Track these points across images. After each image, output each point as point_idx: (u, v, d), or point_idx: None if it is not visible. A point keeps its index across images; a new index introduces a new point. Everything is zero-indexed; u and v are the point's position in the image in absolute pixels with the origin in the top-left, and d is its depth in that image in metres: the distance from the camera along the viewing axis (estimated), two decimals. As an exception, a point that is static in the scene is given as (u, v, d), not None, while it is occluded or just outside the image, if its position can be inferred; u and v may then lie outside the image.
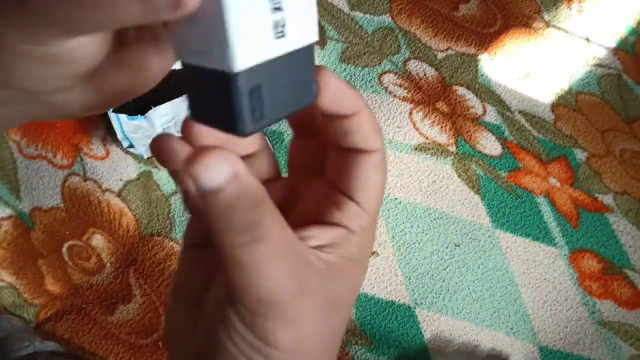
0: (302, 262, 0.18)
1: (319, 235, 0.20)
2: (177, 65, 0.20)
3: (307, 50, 0.17)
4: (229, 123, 0.16)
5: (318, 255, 0.19)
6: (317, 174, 0.22)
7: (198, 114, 0.18)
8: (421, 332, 0.76)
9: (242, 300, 0.17)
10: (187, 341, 0.21)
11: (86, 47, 0.18)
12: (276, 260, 0.17)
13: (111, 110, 0.83)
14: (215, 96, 0.16)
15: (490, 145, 0.89)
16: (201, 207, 0.16)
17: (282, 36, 0.16)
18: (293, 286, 0.18)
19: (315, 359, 0.19)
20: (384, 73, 0.94)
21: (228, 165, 0.16)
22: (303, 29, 0.17)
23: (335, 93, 0.19)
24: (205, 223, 0.17)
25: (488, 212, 0.84)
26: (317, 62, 0.21)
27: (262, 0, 0.15)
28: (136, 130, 0.84)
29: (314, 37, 0.17)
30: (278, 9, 0.16)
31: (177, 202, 0.83)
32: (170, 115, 0.86)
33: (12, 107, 0.20)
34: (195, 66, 0.17)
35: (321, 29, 0.99)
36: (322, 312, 0.19)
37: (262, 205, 0.17)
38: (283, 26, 0.16)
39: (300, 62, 0.17)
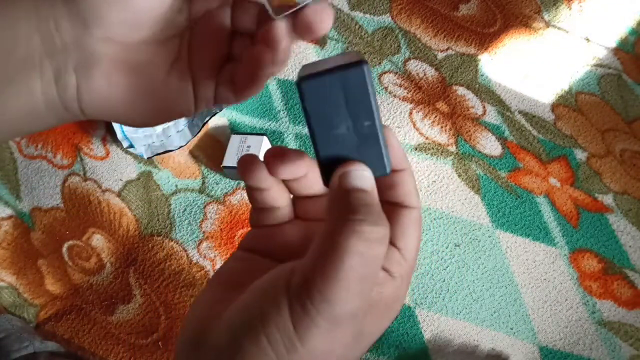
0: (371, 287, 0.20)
1: None
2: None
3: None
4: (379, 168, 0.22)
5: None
6: None
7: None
8: (421, 332, 0.76)
9: (311, 288, 0.18)
10: (210, 312, 0.22)
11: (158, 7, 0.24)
12: (377, 266, 0.19)
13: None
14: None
15: (490, 145, 0.89)
16: (340, 195, 0.20)
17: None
18: (359, 304, 0.19)
19: None
20: (384, 73, 0.94)
21: (371, 178, 0.21)
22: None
23: (391, 148, 0.22)
24: (340, 211, 0.19)
25: (488, 212, 0.84)
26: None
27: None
28: (136, 130, 0.84)
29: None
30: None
31: (177, 202, 0.83)
32: (170, 115, 0.86)
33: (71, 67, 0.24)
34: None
35: (321, 29, 0.99)
36: (352, 339, 0.20)
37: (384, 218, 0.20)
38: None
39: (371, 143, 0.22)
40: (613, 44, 1.00)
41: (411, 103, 0.92)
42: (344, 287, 0.18)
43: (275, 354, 0.19)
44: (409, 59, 0.96)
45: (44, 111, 0.25)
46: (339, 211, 0.20)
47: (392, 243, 0.22)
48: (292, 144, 0.88)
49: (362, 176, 0.21)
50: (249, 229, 0.27)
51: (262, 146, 0.81)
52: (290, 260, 0.22)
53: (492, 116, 0.92)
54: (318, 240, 0.19)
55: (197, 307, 0.24)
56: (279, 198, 0.25)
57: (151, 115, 0.27)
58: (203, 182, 0.84)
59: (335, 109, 0.22)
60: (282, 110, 0.91)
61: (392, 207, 0.23)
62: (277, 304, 0.19)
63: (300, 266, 0.19)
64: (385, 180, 0.23)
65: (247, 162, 0.24)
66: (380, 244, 0.19)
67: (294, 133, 0.88)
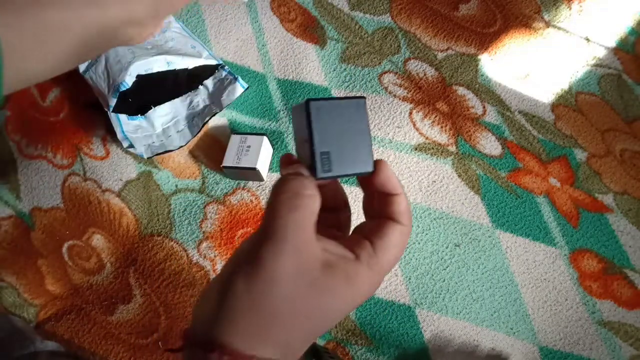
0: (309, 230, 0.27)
1: (335, 246, 0.29)
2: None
3: (366, 143, 0.31)
4: (313, 170, 0.30)
5: (323, 253, 0.27)
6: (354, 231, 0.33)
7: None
8: (421, 332, 0.76)
9: (261, 226, 0.27)
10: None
11: None
12: (304, 212, 0.27)
13: (111, 110, 0.83)
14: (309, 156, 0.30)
15: (490, 145, 0.89)
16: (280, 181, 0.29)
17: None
18: (314, 246, 0.27)
19: (299, 311, 0.26)
20: (384, 73, 0.94)
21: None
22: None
23: (386, 176, 0.30)
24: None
25: (488, 212, 0.84)
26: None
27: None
28: (136, 130, 0.84)
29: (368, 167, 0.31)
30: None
31: (177, 202, 0.83)
32: (170, 115, 0.86)
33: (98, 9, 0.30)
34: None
35: (321, 29, 0.99)
36: (309, 285, 0.26)
37: (304, 198, 0.28)
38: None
39: (361, 150, 0.31)
40: (613, 44, 1.00)
41: (411, 103, 0.92)
42: (282, 218, 0.26)
43: (246, 286, 0.25)
44: (409, 59, 0.96)
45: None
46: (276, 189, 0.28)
47: (368, 238, 0.29)
48: (291, 144, 0.88)
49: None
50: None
51: (262, 146, 0.81)
52: None
53: (492, 116, 0.92)
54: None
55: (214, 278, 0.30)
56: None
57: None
58: (203, 182, 0.84)
59: (336, 125, 0.31)
60: (282, 110, 0.91)
61: (385, 221, 0.30)
62: (246, 241, 0.28)
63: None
64: (385, 200, 0.30)
65: (286, 161, 0.32)
66: (304, 184, 0.28)
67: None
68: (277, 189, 0.27)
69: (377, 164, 0.31)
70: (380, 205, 0.31)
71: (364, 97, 0.31)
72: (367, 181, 0.31)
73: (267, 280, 0.25)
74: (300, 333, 0.26)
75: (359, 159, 0.31)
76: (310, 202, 0.27)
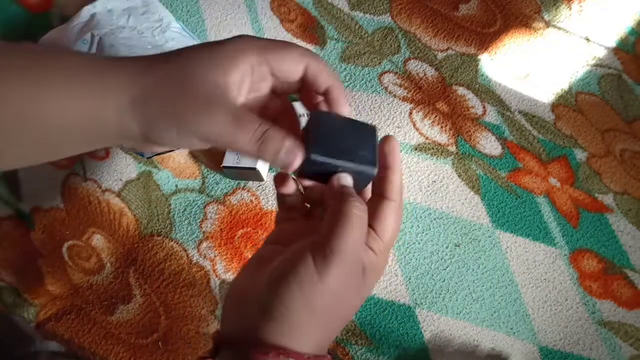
0: (365, 249, 0.30)
1: None
2: None
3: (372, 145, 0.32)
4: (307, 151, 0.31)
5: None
6: None
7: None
8: (421, 332, 0.76)
9: (331, 240, 0.28)
10: (250, 283, 0.30)
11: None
12: (364, 232, 0.29)
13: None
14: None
15: (490, 145, 0.89)
16: (338, 190, 0.31)
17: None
18: (361, 255, 0.29)
19: (338, 309, 0.29)
20: (384, 73, 0.94)
21: (351, 180, 0.32)
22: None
23: (392, 147, 0.32)
24: (338, 199, 0.30)
25: (488, 212, 0.84)
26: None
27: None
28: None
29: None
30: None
31: (177, 202, 0.83)
32: (170, 115, 0.86)
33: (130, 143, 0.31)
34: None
35: (321, 29, 0.99)
36: (356, 286, 0.29)
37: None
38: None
39: (365, 147, 0.32)
40: (613, 44, 1.00)
41: (411, 103, 0.92)
42: (351, 239, 0.28)
43: (302, 292, 0.27)
44: (409, 59, 0.96)
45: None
46: (340, 196, 0.30)
47: (372, 227, 0.31)
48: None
49: (349, 179, 0.32)
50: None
51: None
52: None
53: (492, 116, 0.92)
54: (330, 214, 0.29)
55: (238, 282, 0.32)
56: (298, 203, 0.36)
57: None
58: (203, 182, 0.84)
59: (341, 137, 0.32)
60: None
61: (378, 199, 0.32)
62: (303, 256, 0.28)
63: (322, 232, 0.28)
64: (380, 175, 0.32)
65: (281, 178, 0.35)
66: (365, 212, 0.30)
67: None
68: (344, 203, 0.29)
69: (386, 137, 0.32)
70: (378, 180, 0.32)
71: (374, 127, 0.33)
72: None
73: (326, 291, 0.27)
74: (339, 329, 0.31)
75: (362, 154, 0.31)
76: (365, 219, 0.30)
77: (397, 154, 0.32)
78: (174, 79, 0.29)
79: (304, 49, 0.32)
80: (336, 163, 0.31)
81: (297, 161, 0.30)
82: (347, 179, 0.31)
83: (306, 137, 0.31)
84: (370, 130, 0.33)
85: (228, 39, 0.30)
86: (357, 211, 0.29)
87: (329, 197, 0.31)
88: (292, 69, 0.31)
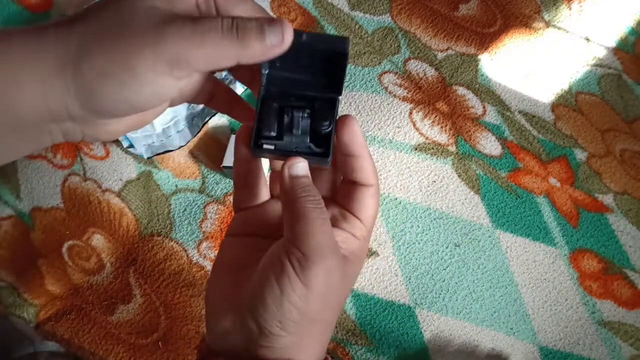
0: (334, 240, 0.28)
1: (336, 234, 0.29)
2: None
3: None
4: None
5: (340, 249, 0.29)
6: (330, 199, 0.32)
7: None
8: (421, 332, 0.76)
9: (300, 245, 0.25)
10: (232, 296, 0.28)
11: (191, 84, 0.27)
12: (328, 225, 0.27)
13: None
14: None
15: (490, 145, 0.89)
16: (288, 185, 0.27)
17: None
18: (334, 247, 0.27)
19: (330, 307, 0.28)
20: (384, 73, 0.94)
21: (306, 166, 0.28)
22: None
23: (352, 134, 0.28)
24: (289, 195, 0.27)
25: (488, 212, 0.84)
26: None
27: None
28: (136, 130, 0.84)
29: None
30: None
31: (177, 202, 0.83)
32: (170, 115, 0.86)
33: (86, 127, 0.26)
34: None
35: (321, 29, 0.99)
36: (340, 280, 0.27)
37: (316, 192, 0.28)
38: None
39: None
40: (613, 44, 1.00)
41: (411, 103, 0.92)
42: (317, 238, 0.26)
43: (293, 305, 0.25)
44: (409, 59, 0.96)
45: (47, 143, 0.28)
46: (291, 191, 0.27)
47: (354, 214, 0.30)
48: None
49: (301, 167, 0.28)
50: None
51: None
52: (277, 234, 0.29)
53: (492, 116, 0.92)
54: (286, 213, 0.27)
55: (216, 287, 0.30)
56: (259, 181, 0.32)
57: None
58: (203, 182, 0.84)
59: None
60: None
61: (354, 185, 0.30)
62: (283, 267, 0.25)
63: (287, 236, 0.26)
64: (349, 164, 0.29)
65: (242, 135, 0.30)
66: (321, 202, 0.27)
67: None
68: (296, 201, 0.27)
69: (343, 120, 0.29)
70: (345, 168, 0.30)
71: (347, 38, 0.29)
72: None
73: (315, 295, 0.26)
74: (334, 323, 0.30)
75: (316, 138, 0.29)
76: (324, 211, 0.27)
77: (360, 139, 0.29)
78: (109, 21, 0.23)
79: None
80: (283, 153, 0.29)
81: (289, 34, 0.25)
82: (299, 168, 0.28)
83: (256, 114, 0.29)
84: (333, 90, 0.29)
85: None
86: (312, 206, 0.26)
87: (281, 188, 0.28)
88: None
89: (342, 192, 0.31)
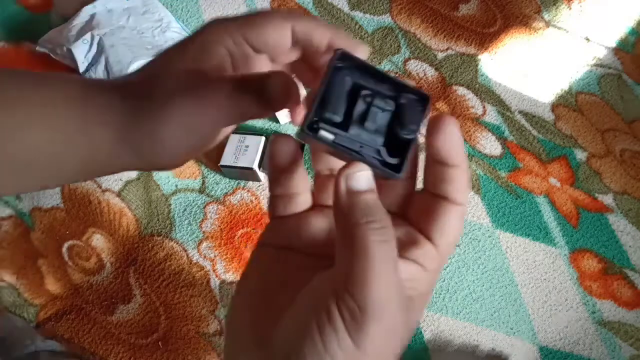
0: (402, 285, 0.21)
1: (402, 267, 0.22)
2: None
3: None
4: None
5: (405, 291, 0.21)
6: (397, 215, 0.25)
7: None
8: (421, 332, 0.75)
9: (356, 293, 0.19)
10: (260, 327, 0.23)
11: (218, 137, 0.28)
12: (394, 269, 0.20)
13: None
14: None
15: (490, 145, 0.89)
16: (345, 202, 0.21)
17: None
18: (400, 299, 0.20)
19: None
20: (384, 73, 0.94)
21: (370, 177, 0.21)
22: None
23: (451, 139, 0.22)
24: (347, 218, 0.20)
25: (488, 212, 0.84)
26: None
27: None
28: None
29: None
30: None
31: (177, 202, 0.83)
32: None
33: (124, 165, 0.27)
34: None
35: (321, 29, 0.99)
36: (402, 336, 0.21)
37: (388, 218, 0.20)
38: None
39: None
40: (613, 44, 1.00)
41: (411, 103, 0.92)
42: (381, 285, 0.19)
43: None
44: (409, 58, 0.96)
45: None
46: (349, 212, 0.20)
47: (429, 238, 0.23)
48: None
49: (365, 178, 0.21)
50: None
51: (260, 146, 0.81)
52: (320, 252, 0.24)
53: (492, 116, 0.92)
54: (341, 242, 0.21)
55: (239, 317, 0.24)
56: (300, 182, 0.26)
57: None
58: (203, 182, 0.84)
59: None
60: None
61: (436, 199, 0.23)
62: (329, 315, 0.20)
63: (339, 274, 0.20)
64: (440, 174, 0.23)
65: (279, 140, 0.25)
66: (389, 232, 0.20)
67: (294, 133, 0.88)
68: (356, 228, 0.20)
69: (440, 120, 0.22)
70: (432, 177, 0.23)
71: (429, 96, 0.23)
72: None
73: (368, 357, 0.20)
74: None
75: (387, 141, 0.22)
76: (392, 243, 0.20)
77: (460, 146, 0.22)
78: (147, 89, 0.25)
79: (287, 12, 0.25)
80: (342, 149, 0.21)
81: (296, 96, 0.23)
82: (361, 179, 0.21)
83: (321, 86, 0.21)
84: (418, 101, 0.22)
85: (199, 28, 0.26)
86: (378, 239, 0.19)
87: (335, 204, 0.21)
88: (276, 37, 0.25)
89: (419, 207, 0.24)
